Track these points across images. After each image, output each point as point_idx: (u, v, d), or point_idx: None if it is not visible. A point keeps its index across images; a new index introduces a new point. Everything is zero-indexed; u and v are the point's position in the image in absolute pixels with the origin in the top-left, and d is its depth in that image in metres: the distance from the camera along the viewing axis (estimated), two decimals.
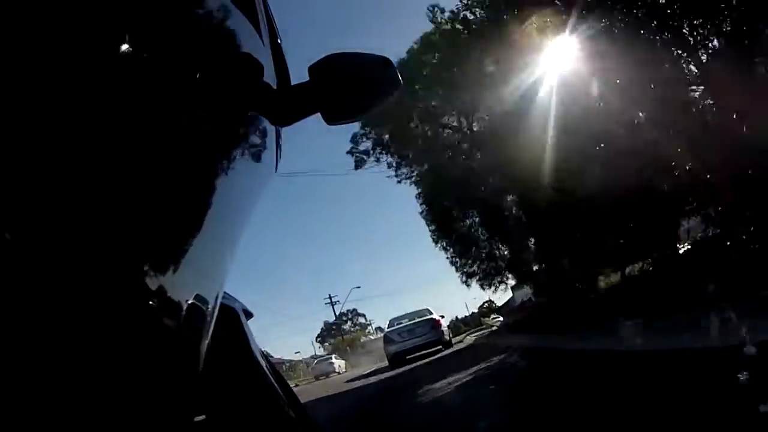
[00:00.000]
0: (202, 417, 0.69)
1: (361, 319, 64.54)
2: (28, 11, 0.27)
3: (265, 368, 0.90)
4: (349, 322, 63.74)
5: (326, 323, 58.29)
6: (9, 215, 0.24)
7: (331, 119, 0.76)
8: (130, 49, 0.34)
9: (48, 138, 0.27)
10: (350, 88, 0.76)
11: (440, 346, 11.33)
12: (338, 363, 27.50)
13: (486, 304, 62.52)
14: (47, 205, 0.26)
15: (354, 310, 64.39)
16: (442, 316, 12.47)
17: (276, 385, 0.90)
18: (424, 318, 11.83)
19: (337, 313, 42.07)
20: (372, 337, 46.42)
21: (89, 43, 0.31)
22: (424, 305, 13.58)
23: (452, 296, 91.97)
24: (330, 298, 44.49)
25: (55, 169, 0.27)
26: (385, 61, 0.78)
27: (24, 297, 0.24)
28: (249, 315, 1.00)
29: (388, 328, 12.53)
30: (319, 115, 0.76)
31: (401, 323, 12.11)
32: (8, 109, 0.25)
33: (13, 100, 0.26)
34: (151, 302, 0.34)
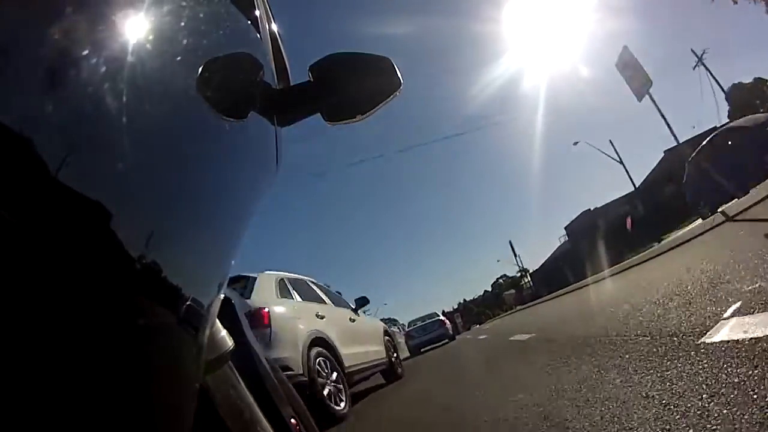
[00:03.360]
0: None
1: None
2: (30, 13, 0.28)
3: (261, 357, 0.91)
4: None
5: None
6: (11, 207, 0.24)
7: (332, 119, 0.76)
8: (131, 49, 0.35)
9: (50, 135, 0.28)
10: (350, 88, 0.76)
11: (446, 340, 16.32)
12: None
13: (501, 279, 53.67)
14: (50, 198, 0.27)
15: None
16: (447, 316, 18.53)
17: (272, 375, 0.91)
18: (434, 319, 17.65)
19: None
20: None
21: (89, 45, 0.32)
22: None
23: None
24: None
25: (58, 165, 0.28)
26: (385, 61, 0.78)
27: (27, 289, 0.24)
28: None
29: (408, 327, 18.84)
30: (319, 115, 0.76)
31: (416, 324, 17.95)
32: (9, 105, 0.26)
33: (16, 100, 0.26)
34: (155, 297, 0.35)
